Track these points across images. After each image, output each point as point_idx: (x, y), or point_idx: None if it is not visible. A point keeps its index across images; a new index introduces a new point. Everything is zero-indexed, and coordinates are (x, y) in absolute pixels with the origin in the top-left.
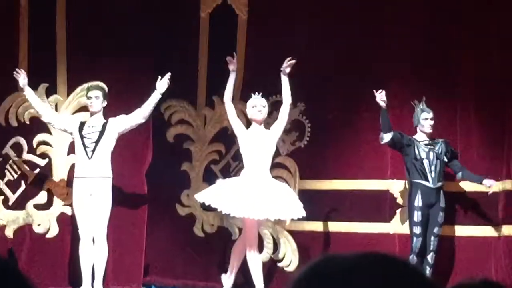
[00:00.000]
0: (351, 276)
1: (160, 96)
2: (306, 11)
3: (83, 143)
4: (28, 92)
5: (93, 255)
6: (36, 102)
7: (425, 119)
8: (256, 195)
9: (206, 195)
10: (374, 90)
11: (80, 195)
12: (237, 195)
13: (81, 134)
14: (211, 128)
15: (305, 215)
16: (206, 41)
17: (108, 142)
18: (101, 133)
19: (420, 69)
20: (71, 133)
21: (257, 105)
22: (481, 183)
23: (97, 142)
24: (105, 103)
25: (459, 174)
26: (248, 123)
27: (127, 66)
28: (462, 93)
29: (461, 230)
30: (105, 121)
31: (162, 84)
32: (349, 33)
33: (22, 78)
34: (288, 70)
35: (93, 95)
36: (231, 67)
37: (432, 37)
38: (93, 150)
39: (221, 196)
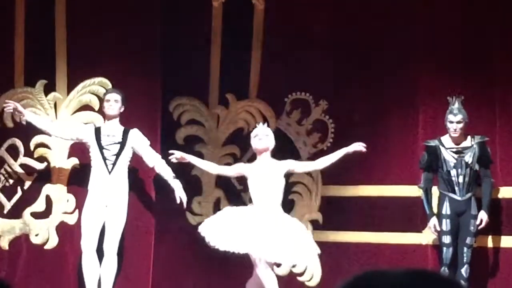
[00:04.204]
0: None
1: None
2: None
3: (103, 155)
4: (29, 116)
5: (101, 268)
6: (40, 122)
7: (450, 122)
8: (265, 236)
9: (210, 230)
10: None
11: (94, 206)
12: (243, 232)
13: (99, 144)
14: (224, 129)
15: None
16: (219, 33)
17: (128, 155)
18: (122, 145)
19: (454, 65)
20: (85, 142)
21: (258, 134)
22: (478, 211)
23: (118, 155)
24: (122, 109)
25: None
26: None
27: (132, 61)
28: (502, 95)
29: (499, 241)
30: (123, 128)
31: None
32: (377, 24)
33: (16, 107)
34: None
35: (112, 98)
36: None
37: (468, 33)
38: (114, 164)
39: (226, 233)
